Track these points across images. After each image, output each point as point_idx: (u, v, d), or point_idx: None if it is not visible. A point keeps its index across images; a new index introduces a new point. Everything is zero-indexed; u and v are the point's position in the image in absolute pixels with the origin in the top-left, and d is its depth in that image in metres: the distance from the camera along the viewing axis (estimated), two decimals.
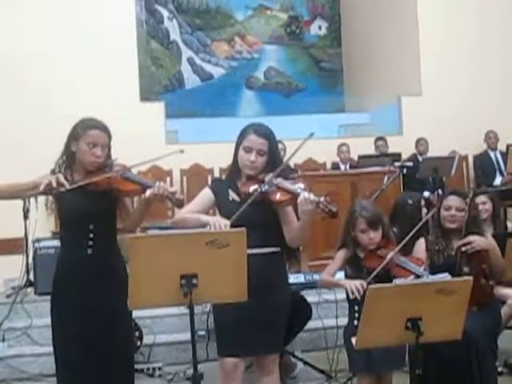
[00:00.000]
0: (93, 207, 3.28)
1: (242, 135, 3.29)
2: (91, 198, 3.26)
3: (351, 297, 3.43)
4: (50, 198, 3.35)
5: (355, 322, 3.51)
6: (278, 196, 3.12)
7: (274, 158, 3.28)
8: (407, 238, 3.71)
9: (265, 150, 3.24)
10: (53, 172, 3.37)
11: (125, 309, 3.25)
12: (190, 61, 12.35)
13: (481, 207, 5.01)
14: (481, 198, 5.07)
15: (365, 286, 3.38)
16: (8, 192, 3.37)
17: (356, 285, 3.42)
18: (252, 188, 3.16)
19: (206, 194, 3.35)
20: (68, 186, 3.17)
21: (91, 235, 3.31)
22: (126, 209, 3.46)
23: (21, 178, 3.38)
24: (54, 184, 3.14)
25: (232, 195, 3.29)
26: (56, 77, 8.11)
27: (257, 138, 3.23)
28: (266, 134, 3.28)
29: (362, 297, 3.29)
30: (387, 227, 3.75)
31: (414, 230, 3.87)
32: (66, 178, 3.24)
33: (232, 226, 2.99)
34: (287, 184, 3.15)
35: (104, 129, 3.35)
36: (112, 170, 3.31)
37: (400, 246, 3.63)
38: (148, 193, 3.22)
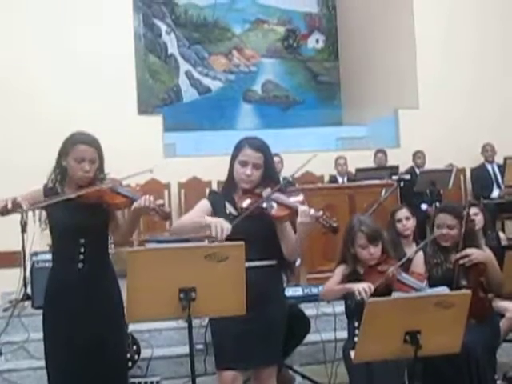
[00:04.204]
0: (83, 221, 3.28)
1: (237, 149, 3.28)
2: (82, 212, 3.27)
3: (358, 297, 3.38)
4: (44, 212, 3.36)
5: (356, 339, 3.49)
6: (278, 212, 3.11)
7: (269, 171, 3.28)
8: (408, 255, 3.71)
9: (260, 164, 3.23)
10: (45, 186, 3.39)
11: (117, 323, 3.26)
12: (188, 74, 12.39)
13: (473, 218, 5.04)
14: (472, 210, 5.09)
15: (372, 288, 3.36)
16: None
17: (363, 286, 3.39)
18: (249, 202, 3.16)
19: (204, 205, 3.34)
20: (25, 207, 3.17)
21: (82, 249, 3.32)
22: (116, 222, 3.46)
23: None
24: (10, 205, 3.15)
25: (229, 208, 3.28)
26: (54, 90, 8.14)
27: (252, 151, 3.23)
28: (261, 147, 3.27)
29: (361, 312, 3.28)
30: (387, 242, 3.73)
31: (418, 248, 3.87)
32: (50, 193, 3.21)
33: (229, 239, 2.98)
34: (286, 199, 3.15)
35: (91, 143, 3.35)
36: (102, 183, 3.32)
37: (401, 262, 3.63)
38: (135, 205, 3.23)
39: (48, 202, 3.26)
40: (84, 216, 3.27)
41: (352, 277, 3.63)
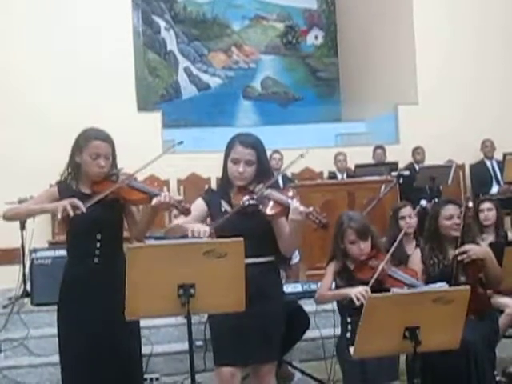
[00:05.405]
0: (100, 217, 3.30)
1: (229, 147, 3.27)
2: (98, 208, 3.27)
3: (357, 304, 3.38)
4: None
5: (348, 335, 3.50)
6: (270, 209, 3.09)
7: (263, 167, 3.27)
8: (393, 248, 3.68)
9: (253, 160, 3.22)
10: (59, 183, 3.39)
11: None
12: (187, 71, 12.39)
13: (486, 213, 5.06)
14: (486, 205, 5.11)
15: (369, 291, 3.36)
16: (26, 216, 3.47)
17: (360, 291, 3.38)
18: (243, 199, 3.14)
19: (199, 205, 3.34)
20: (84, 209, 3.17)
21: (98, 245, 3.34)
22: (132, 218, 3.48)
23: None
24: (71, 211, 3.14)
25: (225, 206, 3.28)
26: (53, 87, 8.13)
27: (243, 148, 3.22)
28: (253, 143, 3.26)
29: (355, 307, 3.27)
30: (376, 237, 3.73)
31: (398, 240, 3.84)
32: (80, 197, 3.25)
33: (226, 236, 2.96)
34: (278, 195, 3.13)
35: (105, 138, 3.37)
36: (118, 179, 3.33)
37: (388, 255, 3.60)
38: (154, 201, 3.22)
39: (92, 201, 3.23)
40: (101, 212, 3.29)
41: (343, 273, 3.63)
